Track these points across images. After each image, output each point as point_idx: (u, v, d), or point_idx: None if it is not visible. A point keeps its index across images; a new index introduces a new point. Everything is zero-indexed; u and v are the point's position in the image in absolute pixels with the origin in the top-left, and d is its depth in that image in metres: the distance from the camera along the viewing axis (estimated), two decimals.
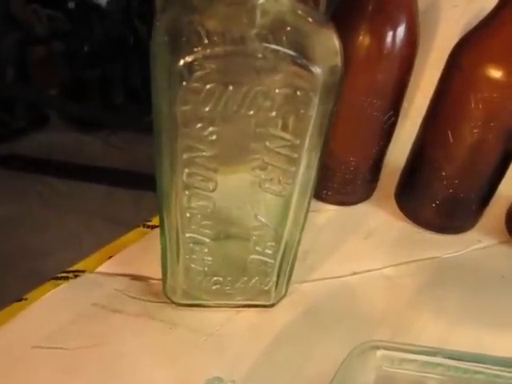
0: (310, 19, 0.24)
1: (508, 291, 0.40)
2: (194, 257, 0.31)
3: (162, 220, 0.29)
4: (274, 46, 0.22)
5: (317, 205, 0.47)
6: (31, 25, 1.40)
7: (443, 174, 0.41)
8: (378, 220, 0.46)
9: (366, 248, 0.43)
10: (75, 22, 1.46)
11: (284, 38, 0.22)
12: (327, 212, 0.46)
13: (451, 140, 0.39)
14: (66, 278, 0.37)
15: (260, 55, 0.22)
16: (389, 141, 0.44)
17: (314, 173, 0.28)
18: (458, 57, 0.38)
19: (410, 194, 0.46)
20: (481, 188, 0.42)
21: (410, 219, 0.46)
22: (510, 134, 0.38)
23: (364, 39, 0.37)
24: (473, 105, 0.37)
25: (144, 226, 0.42)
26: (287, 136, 0.25)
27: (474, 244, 0.44)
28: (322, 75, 0.23)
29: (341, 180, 0.45)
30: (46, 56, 1.45)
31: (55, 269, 0.38)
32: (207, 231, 0.29)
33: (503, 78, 0.35)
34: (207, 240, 0.30)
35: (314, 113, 0.24)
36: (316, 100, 0.24)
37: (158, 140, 0.25)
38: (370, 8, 0.36)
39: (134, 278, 0.37)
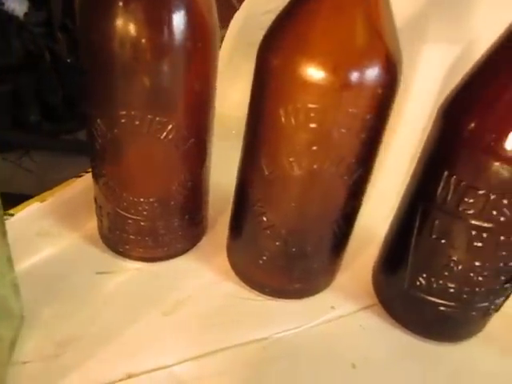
0: None
1: None
2: None
3: None
4: None
5: (116, 262, 0.33)
6: None
7: (264, 219, 0.28)
8: (195, 281, 0.33)
9: (163, 330, 0.29)
10: None
11: None
12: (126, 273, 0.33)
13: (266, 173, 0.27)
14: None
15: None
16: (198, 172, 0.31)
17: None
18: (266, 51, 0.25)
19: (236, 244, 0.33)
20: (321, 240, 0.29)
21: (240, 278, 0.33)
22: (346, 164, 0.26)
23: (120, 24, 0.24)
24: (283, 120, 0.24)
25: None
26: None
27: (323, 313, 0.32)
28: None
29: (135, 229, 0.31)
30: None
31: None
32: None
33: (323, 80, 0.23)
34: None
35: None
36: None
37: None
38: None
39: None
